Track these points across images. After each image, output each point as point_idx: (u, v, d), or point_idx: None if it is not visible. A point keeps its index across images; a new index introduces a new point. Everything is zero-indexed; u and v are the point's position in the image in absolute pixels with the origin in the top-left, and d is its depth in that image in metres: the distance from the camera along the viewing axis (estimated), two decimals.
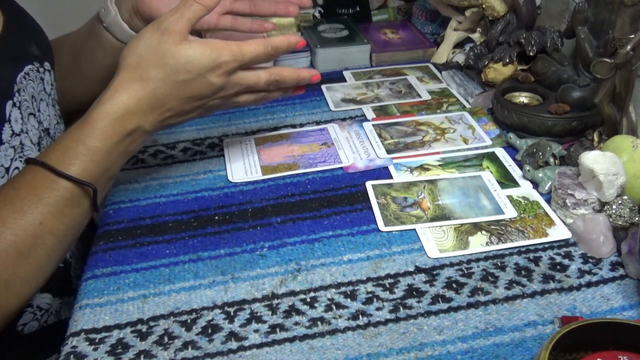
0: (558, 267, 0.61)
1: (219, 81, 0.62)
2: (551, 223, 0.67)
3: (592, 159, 0.63)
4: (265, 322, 0.56)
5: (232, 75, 0.63)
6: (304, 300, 0.58)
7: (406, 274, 0.61)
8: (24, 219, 0.55)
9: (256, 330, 0.55)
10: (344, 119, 0.89)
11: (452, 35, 1.04)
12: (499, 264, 0.62)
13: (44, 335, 0.69)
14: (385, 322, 0.56)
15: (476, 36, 1.01)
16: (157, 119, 0.62)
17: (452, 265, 0.62)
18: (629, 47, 0.67)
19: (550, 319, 0.55)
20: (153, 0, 0.76)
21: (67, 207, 0.57)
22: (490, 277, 0.60)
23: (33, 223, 0.55)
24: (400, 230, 0.66)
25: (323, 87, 0.97)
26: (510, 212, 0.68)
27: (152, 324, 0.56)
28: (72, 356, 0.53)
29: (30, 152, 0.66)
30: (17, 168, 0.63)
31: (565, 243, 0.65)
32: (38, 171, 0.57)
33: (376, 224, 0.67)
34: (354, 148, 0.81)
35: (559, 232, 0.65)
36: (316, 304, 0.58)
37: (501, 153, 0.79)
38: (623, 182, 0.64)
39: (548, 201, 0.70)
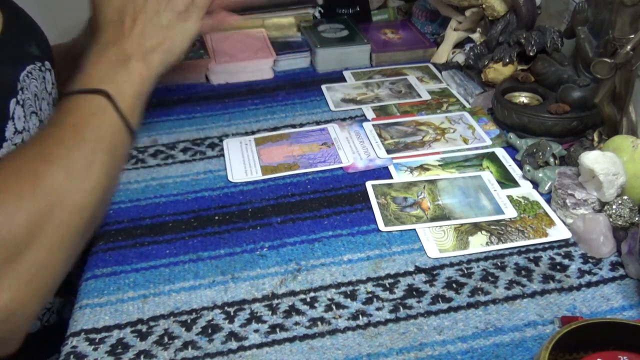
0: (558, 267, 0.61)
1: None
2: (551, 223, 0.67)
3: (592, 159, 0.63)
4: (265, 322, 0.56)
5: None
6: (304, 300, 0.58)
7: (406, 274, 0.61)
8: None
9: (256, 330, 0.55)
10: (344, 119, 0.89)
11: (452, 35, 1.04)
12: (499, 264, 0.62)
13: (45, 335, 0.69)
14: (385, 322, 0.56)
15: (476, 36, 1.01)
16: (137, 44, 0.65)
17: (452, 265, 0.62)
18: (629, 47, 0.67)
19: (550, 319, 0.55)
20: None
21: (90, 115, 0.58)
22: (490, 277, 0.60)
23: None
24: (400, 230, 0.66)
25: (323, 87, 0.97)
26: (510, 212, 0.68)
27: (152, 324, 0.56)
28: (72, 356, 0.53)
29: None
30: None
31: (565, 243, 0.65)
32: (70, 99, 0.59)
33: (376, 224, 0.67)
34: (354, 148, 0.81)
35: (559, 232, 0.65)
36: (316, 304, 0.58)
37: (501, 153, 0.79)
38: (623, 182, 0.64)
39: (548, 201, 0.70)
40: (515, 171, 0.75)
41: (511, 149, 0.80)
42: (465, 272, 0.61)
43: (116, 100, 0.60)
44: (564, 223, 0.66)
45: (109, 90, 0.60)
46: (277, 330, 0.55)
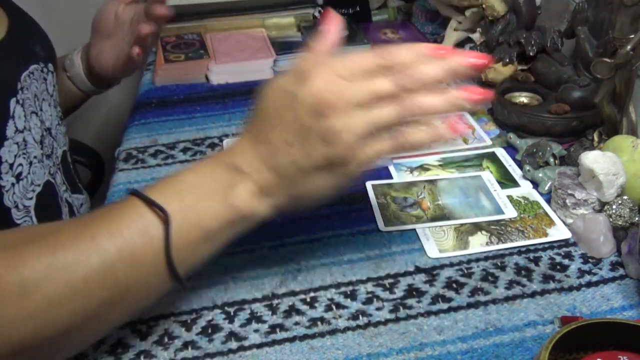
0: (558, 267, 0.61)
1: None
2: (551, 223, 0.67)
3: (592, 159, 0.63)
4: (265, 322, 0.56)
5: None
6: (304, 300, 0.58)
7: (406, 274, 0.61)
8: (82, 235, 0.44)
9: (256, 330, 0.55)
10: None
11: (452, 35, 1.04)
12: (499, 264, 0.62)
13: None
14: (385, 322, 0.56)
15: (476, 36, 1.01)
16: (261, 160, 0.48)
17: (452, 265, 0.62)
18: (629, 47, 0.67)
19: (550, 319, 0.55)
20: (102, 59, 0.84)
21: (132, 234, 0.45)
22: (490, 277, 0.60)
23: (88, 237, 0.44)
24: (400, 230, 0.66)
25: None
26: (510, 212, 0.68)
27: (152, 324, 0.56)
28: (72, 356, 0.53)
29: (33, 150, 0.67)
30: (20, 165, 0.64)
31: (565, 243, 0.65)
32: (125, 199, 0.48)
33: (376, 224, 0.67)
34: None
35: (559, 232, 0.65)
36: (316, 304, 0.58)
37: (501, 153, 0.79)
38: (623, 182, 0.64)
39: (548, 201, 0.70)
40: (515, 171, 0.75)
41: (511, 149, 0.80)
42: (465, 272, 0.61)
43: (171, 230, 0.45)
44: (564, 223, 0.66)
45: (173, 211, 0.45)
46: (277, 330, 0.55)
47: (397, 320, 0.56)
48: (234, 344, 0.54)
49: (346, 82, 0.46)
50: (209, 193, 0.47)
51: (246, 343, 0.54)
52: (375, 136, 0.47)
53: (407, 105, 0.47)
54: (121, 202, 0.47)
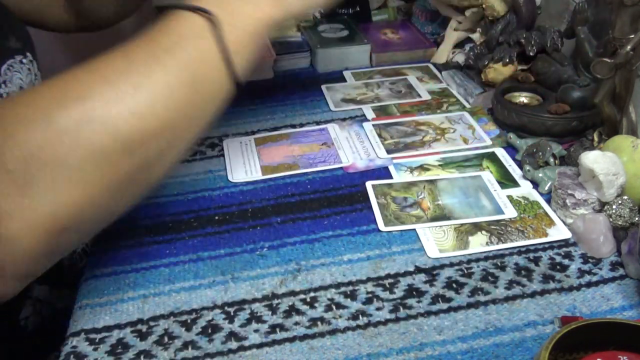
0: (558, 267, 0.61)
1: None
2: (551, 223, 0.67)
3: (592, 159, 0.63)
4: (265, 322, 0.56)
5: None
6: (304, 300, 0.58)
7: (406, 274, 0.61)
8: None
9: (256, 330, 0.55)
10: (344, 119, 0.89)
11: (452, 35, 1.04)
12: (499, 264, 0.62)
13: (43, 332, 0.69)
14: (385, 322, 0.56)
15: (476, 36, 1.01)
16: None
17: (452, 265, 0.62)
18: (629, 47, 0.67)
19: (550, 319, 0.55)
20: None
21: (190, 39, 0.49)
22: (490, 277, 0.60)
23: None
24: (400, 230, 0.66)
25: (323, 87, 0.97)
26: (510, 212, 0.68)
27: (152, 324, 0.56)
28: (72, 356, 0.53)
29: None
30: None
31: (565, 243, 0.65)
32: (169, 14, 0.51)
33: (376, 224, 0.67)
34: (354, 148, 0.81)
35: (559, 232, 0.65)
36: (316, 304, 0.58)
37: (501, 153, 0.79)
38: (623, 182, 0.64)
39: (548, 201, 0.70)
40: (515, 171, 0.75)
41: (511, 149, 0.80)
42: (465, 272, 0.61)
43: (222, 30, 0.49)
44: (564, 223, 0.66)
45: (218, 14, 0.49)
46: (277, 330, 0.55)
47: (397, 320, 0.56)
48: (234, 344, 0.54)
49: None
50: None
51: (246, 343, 0.54)
52: None
53: None
54: (168, 18, 0.50)
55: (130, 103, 0.46)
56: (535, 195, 0.71)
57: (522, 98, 0.87)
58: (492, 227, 0.66)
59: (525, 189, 0.72)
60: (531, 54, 0.88)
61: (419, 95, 0.94)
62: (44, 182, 0.43)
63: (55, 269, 0.69)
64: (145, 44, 0.48)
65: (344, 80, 1.00)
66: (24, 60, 0.70)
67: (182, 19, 0.49)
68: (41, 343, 0.69)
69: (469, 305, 0.57)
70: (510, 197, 0.70)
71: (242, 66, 0.51)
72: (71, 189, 0.44)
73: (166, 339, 0.55)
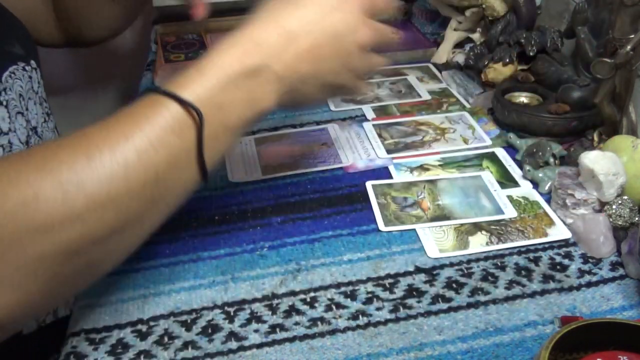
0: (558, 267, 0.61)
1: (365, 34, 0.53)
2: (551, 223, 0.67)
3: (592, 159, 0.63)
4: (265, 322, 0.56)
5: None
6: (304, 300, 0.58)
7: (406, 274, 0.61)
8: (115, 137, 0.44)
9: (256, 330, 0.55)
10: (344, 119, 0.89)
11: (452, 35, 1.04)
12: (499, 264, 0.62)
13: (43, 336, 0.69)
14: (385, 322, 0.56)
15: (476, 36, 1.01)
16: (290, 59, 0.50)
17: (452, 265, 0.62)
18: (629, 47, 0.67)
19: (550, 319, 0.55)
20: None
21: (166, 133, 0.45)
22: (490, 277, 0.60)
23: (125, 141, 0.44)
24: (400, 230, 0.66)
25: None
26: (510, 212, 0.68)
27: (152, 324, 0.56)
28: (72, 356, 0.53)
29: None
30: None
31: (565, 243, 0.65)
32: (148, 96, 0.47)
33: (376, 224, 0.67)
34: (354, 148, 0.81)
35: (559, 232, 0.65)
36: (316, 304, 0.58)
37: (501, 153, 0.79)
38: (623, 182, 0.64)
39: (548, 201, 0.70)
40: (515, 171, 0.75)
41: (511, 149, 0.80)
42: (465, 272, 0.61)
43: (204, 126, 0.45)
44: (564, 223, 0.66)
45: (205, 111, 0.46)
46: (277, 330, 0.55)
47: (397, 320, 0.56)
48: (234, 344, 0.54)
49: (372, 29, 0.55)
50: (239, 99, 0.48)
51: (246, 343, 0.54)
52: None
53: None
54: (146, 102, 0.46)
55: (76, 205, 0.41)
56: (535, 195, 0.71)
57: (522, 98, 0.87)
58: (492, 227, 0.66)
59: (525, 189, 0.72)
60: (531, 54, 0.88)
61: (419, 95, 0.94)
62: None
63: None
64: (113, 136, 0.44)
65: None
66: (27, 68, 0.70)
67: (163, 110, 0.45)
68: (42, 344, 0.69)
69: (469, 305, 0.57)
70: (510, 197, 0.70)
71: (214, 161, 0.49)
72: (5, 294, 0.40)
73: (166, 339, 0.55)
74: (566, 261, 0.62)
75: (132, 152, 0.44)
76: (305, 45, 0.50)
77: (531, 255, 0.63)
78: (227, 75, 0.47)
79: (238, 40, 0.49)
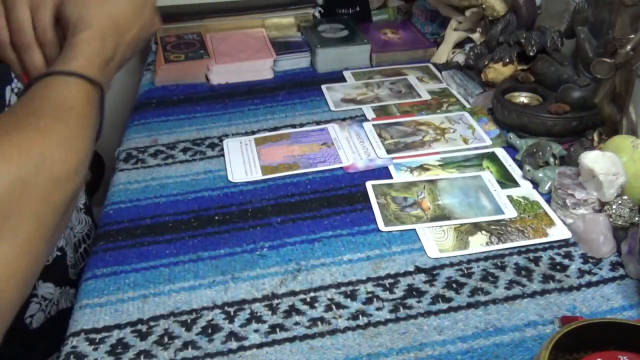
0: (558, 267, 0.61)
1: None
2: (551, 223, 0.67)
3: (592, 159, 0.63)
4: (265, 322, 0.56)
5: None
6: (304, 300, 0.58)
7: (406, 274, 0.61)
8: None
9: (256, 330, 0.55)
10: (344, 119, 0.89)
11: (452, 35, 1.04)
12: (499, 264, 0.62)
13: (49, 329, 0.69)
14: (385, 322, 0.56)
15: (476, 36, 1.01)
16: (128, 39, 0.64)
17: (452, 265, 0.62)
18: (629, 47, 0.67)
19: (550, 319, 0.55)
20: None
21: (89, 104, 0.56)
22: (490, 277, 0.60)
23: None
24: (400, 230, 0.66)
25: (323, 87, 0.97)
26: (510, 212, 0.68)
27: (152, 324, 0.56)
28: (72, 356, 0.53)
29: None
30: None
31: (565, 243, 0.65)
32: (47, 81, 0.55)
33: (376, 224, 0.67)
34: (354, 148, 0.81)
35: (559, 232, 0.65)
36: (316, 304, 0.58)
37: (501, 153, 0.79)
38: (623, 182, 0.64)
39: (548, 201, 0.70)
40: (515, 171, 0.75)
41: (511, 149, 0.80)
42: (465, 272, 0.61)
43: (104, 93, 0.58)
44: (564, 223, 0.66)
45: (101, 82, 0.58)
46: (277, 330, 0.55)
47: (397, 320, 0.56)
48: (234, 344, 0.54)
49: None
50: (110, 68, 0.60)
51: (246, 343, 0.54)
52: None
53: None
54: (59, 84, 0.55)
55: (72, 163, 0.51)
56: (535, 195, 0.71)
57: (522, 98, 0.87)
58: (492, 227, 0.66)
59: (525, 189, 0.72)
60: (531, 54, 0.88)
61: (419, 95, 0.94)
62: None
63: (59, 266, 0.69)
64: (60, 107, 0.53)
65: (344, 80, 1.00)
66: None
67: (80, 88, 0.55)
68: (46, 343, 0.69)
69: (469, 305, 0.57)
70: (510, 197, 0.70)
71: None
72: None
73: (166, 339, 0.55)
74: (566, 261, 0.62)
75: (79, 119, 0.54)
76: (131, 38, 0.63)
77: (531, 255, 0.63)
78: (100, 62, 0.58)
79: (94, 34, 0.59)
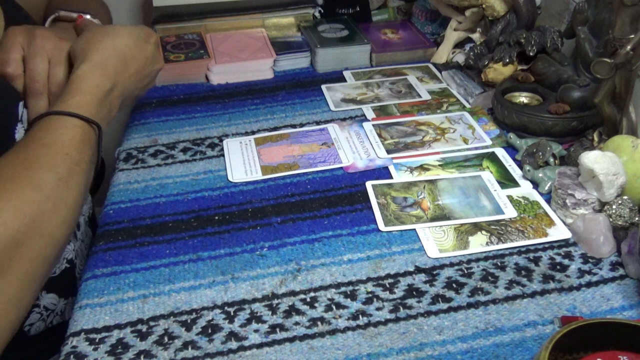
0: (558, 267, 0.61)
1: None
2: (551, 223, 0.67)
3: (592, 159, 0.63)
4: (265, 322, 0.56)
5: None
6: (304, 300, 0.58)
7: (406, 274, 0.61)
8: (54, 156, 0.55)
9: (256, 330, 0.55)
10: (344, 119, 0.89)
11: (452, 35, 1.04)
12: (499, 264, 0.62)
13: (48, 336, 0.69)
14: (385, 322, 0.56)
15: (476, 36, 1.01)
16: (126, 79, 0.67)
17: (452, 265, 0.62)
18: (629, 47, 0.67)
19: (550, 319, 0.55)
20: None
21: (84, 144, 0.58)
22: (490, 277, 0.60)
23: (62, 157, 0.55)
24: (400, 230, 0.66)
25: (323, 87, 0.97)
26: (510, 212, 0.68)
27: (152, 324, 0.56)
28: (72, 356, 0.53)
29: None
30: None
31: (565, 243, 0.65)
32: (45, 121, 0.58)
33: (376, 224, 0.67)
34: (354, 148, 0.81)
35: (559, 232, 0.65)
36: (316, 304, 0.58)
37: (501, 153, 0.79)
38: (623, 182, 0.64)
39: (548, 201, 0.70)
40: (515, 171, 0.75)
41: (511, 149, 0.80)
42: (465, 272, 0.61)
43: (102, 133, 0.60)
44: (564, 223, 0.66)
45: (98, 121, 0.60)
46: (277, 330, 0.55)
47: (397, 320, 0.56)
48: (234, 344, 0.54)
49: None
50: (106, 109, 0.64)
51: (246, 343, 0.54)
52: None
53: None
54: (55, 124, 0.58)
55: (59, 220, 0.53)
56: (535, 195, 0.71)
57: (522, 98, 0.87)
58: (492, 227, 0.66)
59: (525, 189, 0.72)
60: (531, 54, 0.88)
61: (419, 95, 0.94)
62: None
63: (66, 278, 0.69)
64: (57, 154, 0.56)
65: (344, 80, 1.00)
66: None
67: (76, 129, 0.58)
68: (44, 347, 0.69)
69: (469, 305, 0.57)
70: (510, 197, 0.70)
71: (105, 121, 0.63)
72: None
73: (166, 339, 0.55)
74: (566, 261, 0.62)
75: (73, 167, 0.56)
76: (133, 69, 0.68)
77: (531, 255, 0.63)
78: (99, 94, 0.62)
79: (93, 65, 0.63)
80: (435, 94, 0.95)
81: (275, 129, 0.87)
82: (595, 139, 0.76)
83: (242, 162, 0.79)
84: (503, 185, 0.73)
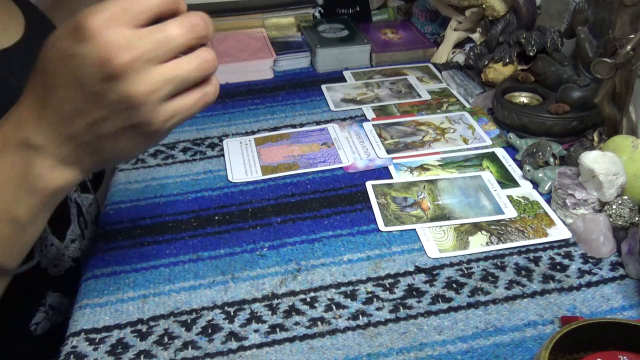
0: (558, 267, 0.61)
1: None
2: (551, 223, 0.67)
3: (592, 159, 0.63)
4: (265, 322, 0.56)
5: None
6: (304, 300, 0.58)
7: (406, 274, 0.61)
8: None
9: (256, 330, 0.55)
10: (344, 119, 0.89)
11: (452, 35, 1.04)
12: (499, 264, 0.62)
13: (52, 336, 0.69)
14: (385, 322, 0.56)
15: (476, 36, 1.01)
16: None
17: (452, 265, 0.62)
18: (629, 47, 0.67)
19: (550, 319, 0.55)
20: None
21: None
22: (490, 277, 0.60)
23: None
24: (400, 230, 0.66)
25: (323, 87, 0.97)
26: (510, 212, 0.68)
27: (152, 324, 0.56)
28: (72, 356, 0.53)
29: None
30: None
31: (565, 243, 0.65)
32: None
33: (376, 224, 0.67)
34: (354, 148, 0.81)
35: (559, 232, 0.65)
36: (316, 304, 0.58)
37: (501, 153, 0.79)
38: (623, 182, 0.64)
39: (548, 201, 0.70)
40: (515, 171, 0.75)
41: (511, 149, 0.80)
42: (465, 272, 0.61)
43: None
44: (564, 223, 0.66)
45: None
46: (277, 330, 0.55)
47: (397, 320, 0.56)
48: (234, 344, 0.54)
49: (132, 31, 0.40)
50: (9, 181, 0.44)
51: (246, 343, 0.54)
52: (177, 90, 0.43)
53: (203, 56, 0.43)
54: None
55: None
56: (535, 195, 0.71)
57: (522, 98, 0.87)
58: (492, 227, 0.66)
59: (525, 189, 0.72)
60: (531, 54, 0.88)
61: (419, 95, 0.94)
62: None
63: (71, 277, 0.69)
64: None
65: (344, 80, 1.00)
66: None
67: None
68: (48, 346, 0.69)
69: (469, 305, 0.57)
70: (510, 197, 0.70)
71: (14, 257, 0.48)
72: None
73: (166, 339, 0.55)
74: (566, 261, 0.62)
75: None
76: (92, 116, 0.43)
77: (531, 255, 0.63)
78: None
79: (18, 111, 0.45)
80: (435, 94, 0.95)
81: (275, 129, 0.87)
82: (595, 139, 0.76)
83: (242, 162, 0.79)
84: (503, 185, 0.73)
